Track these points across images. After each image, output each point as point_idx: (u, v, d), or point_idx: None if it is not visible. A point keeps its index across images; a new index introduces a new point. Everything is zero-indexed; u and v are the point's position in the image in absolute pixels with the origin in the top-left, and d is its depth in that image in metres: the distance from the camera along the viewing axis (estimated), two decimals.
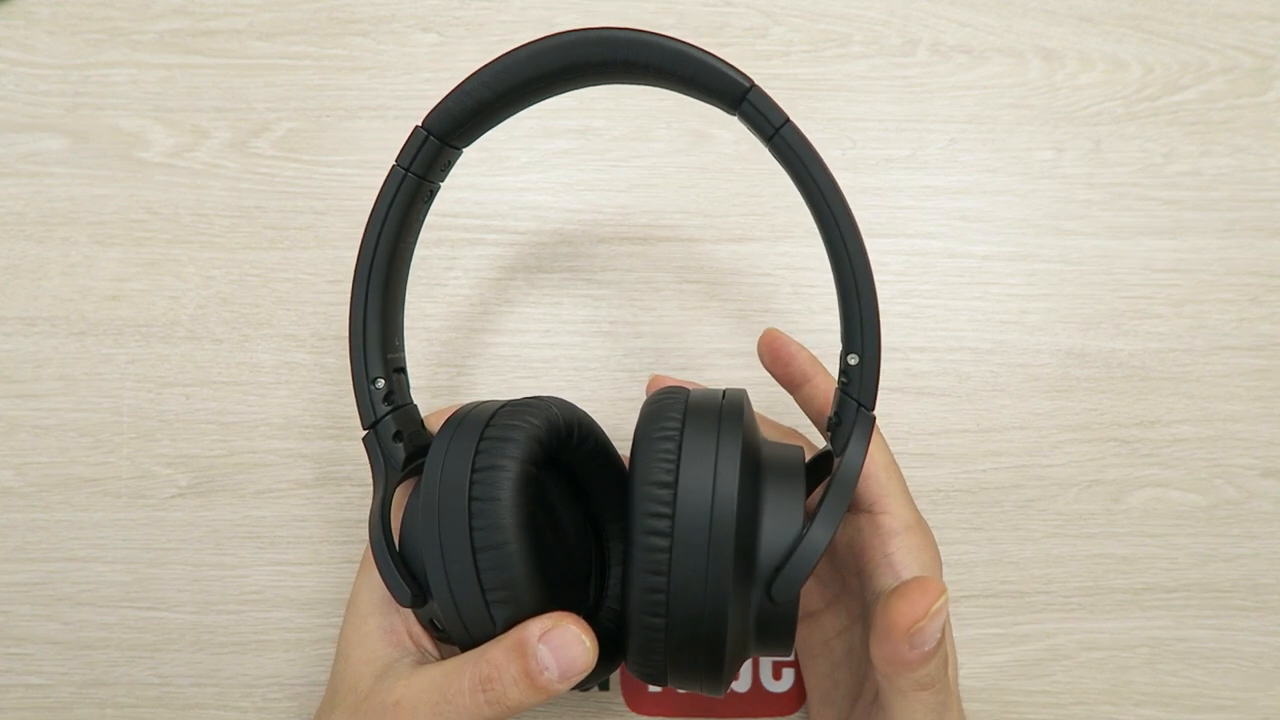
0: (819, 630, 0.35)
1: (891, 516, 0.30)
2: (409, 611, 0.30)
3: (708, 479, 0.26)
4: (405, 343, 0.32)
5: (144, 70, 0.43)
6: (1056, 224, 0.44)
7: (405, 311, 0.32)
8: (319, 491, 0.41)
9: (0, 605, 0.40)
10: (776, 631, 0.28)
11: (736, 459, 0.26)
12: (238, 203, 0.43)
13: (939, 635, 0.26)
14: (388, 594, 0.29)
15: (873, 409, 0.28)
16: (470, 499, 0.26)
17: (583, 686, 0.40)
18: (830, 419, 0.30)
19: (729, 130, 0.44)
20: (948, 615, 0.26)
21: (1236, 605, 0.42)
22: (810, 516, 0.27)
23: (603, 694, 0.40)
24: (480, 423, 0.28)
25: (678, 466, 0.26)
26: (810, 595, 0.35)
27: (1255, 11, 0.45)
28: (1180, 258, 0.44)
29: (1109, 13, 0.45)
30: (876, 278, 0.43)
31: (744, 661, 0.29)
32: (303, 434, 0.41)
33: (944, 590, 0.26)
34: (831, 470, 0.28)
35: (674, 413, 0.28)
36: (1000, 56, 0.45)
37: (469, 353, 0.42)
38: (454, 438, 0.28)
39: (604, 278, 0.43)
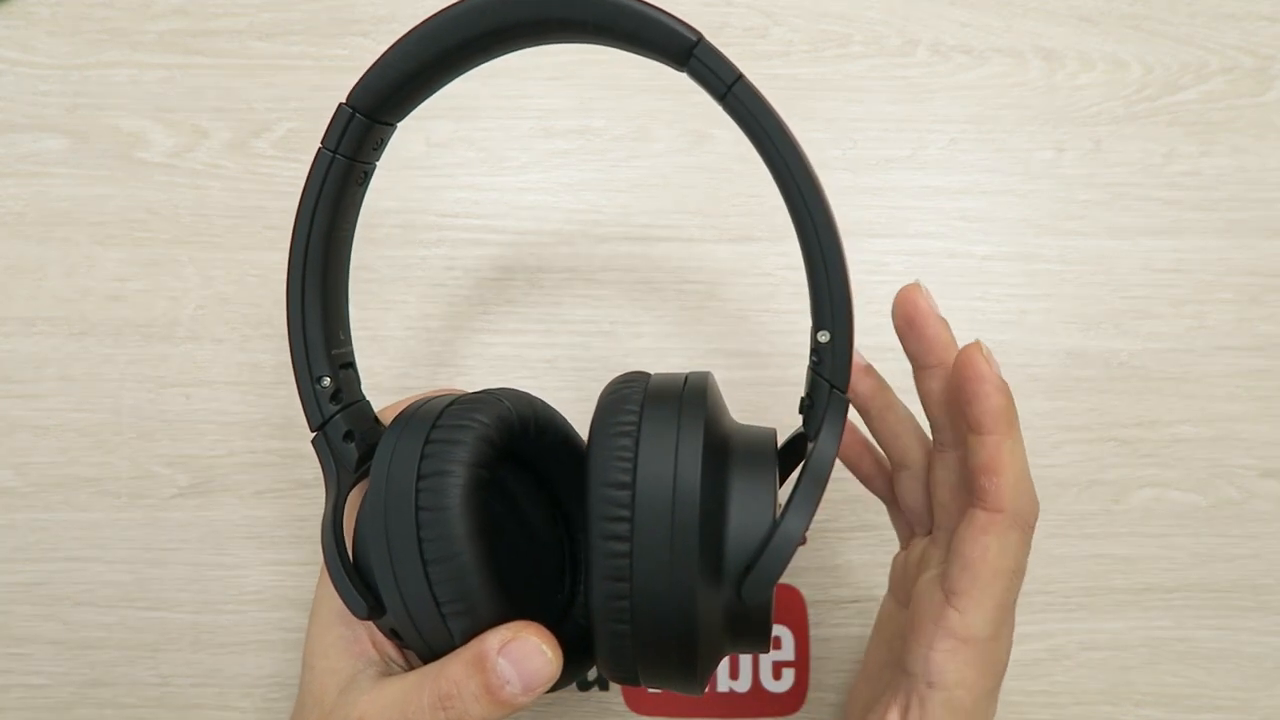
0: (894, 620, 0.33)
1: (960, 617, 0.27)
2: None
3: (668, 477, 0.25)
4: (361, 330, 0.30)
5: (144, 70, 0.43)
6: (1056, 224, 0.44)
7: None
8: (319, 491, 0.41)
9: (0, 605, 0.40)
10: (751, 629, 0.26)
11: (698, 453, 0.25)
12: (238, 203, 0.43)
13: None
14: None
15: (846, 390, 0.26)
16: (417, 509, 0.25)
17: (582, 685, 0.40)
18: (802, 400, 0.28)
19: (729, 130, 0.44)
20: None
21: (1237, 605, 0.42)
22: (783, 508, 0.25)
23: (602, 694, 0.40)
24: (426, 423, 0.26)
25: (635, 465, 0.25)
26: (908, 580, 0.32)
27: (1255, 11, 0.45)
28: (1180, 258, 0.44)
29: (1109, 13, 0.45)
30: (876, 278, 0.43)
31: (719, 660, 0.28)
32: (303, 434, 0.41)
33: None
34: (805, 455, 0.27)
35: (631, 405, 0.26)
36: (1000, 56, 0.45)
37: (469, 353, 0.42)
38: (399, 440, 0.26)
39: (604, 278, 0.43)
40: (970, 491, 0.28)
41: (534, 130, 0.44)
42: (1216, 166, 0.44)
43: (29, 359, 0.42)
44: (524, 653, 0.25)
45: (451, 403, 0.28)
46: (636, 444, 0.25)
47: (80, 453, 0.41)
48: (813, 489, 0.25)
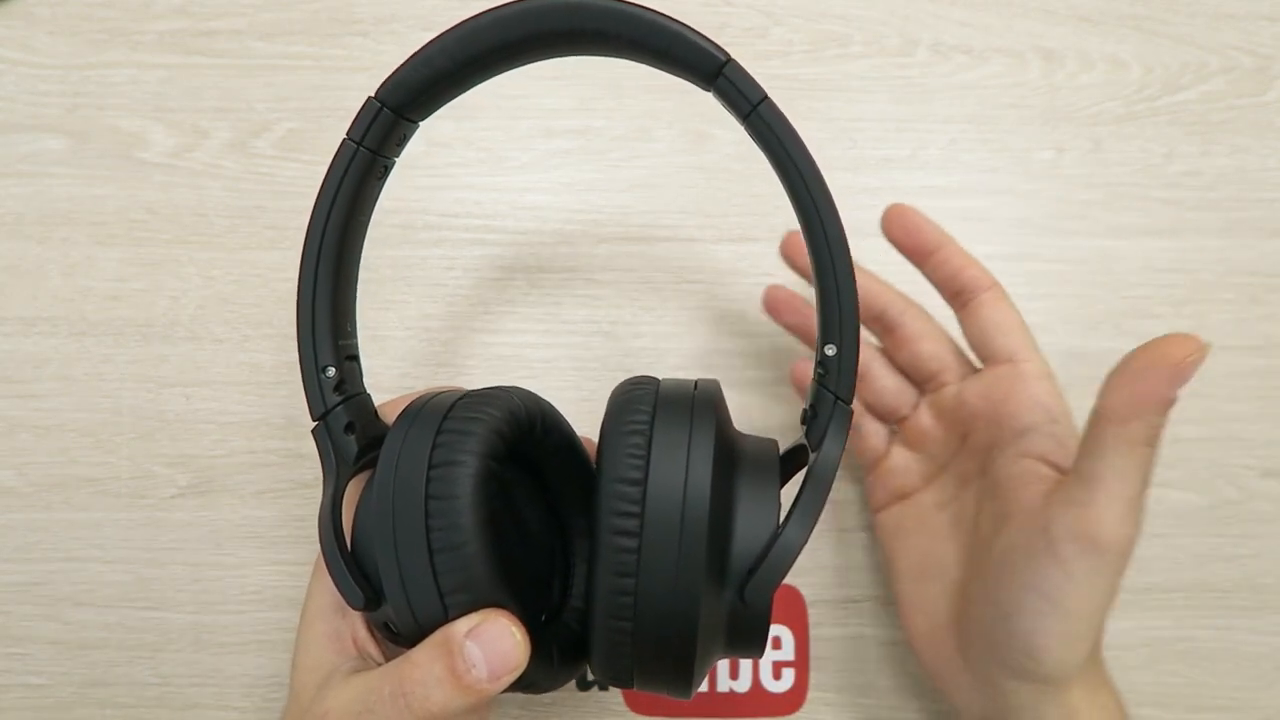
0: (915, 508, 0.36)
1: (1034, 365, 0.33)
2: (358, 616, 0.29)
3: (679, 476, 0.25)
4: (361, 330, 0.30)
5: (144, 70, 0.43)
6: (1056, 224, 0.44)
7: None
8: (319, 491, 0.41)
9: (0, 605, 0.40)
10: (748, 634, 0.27)
11: (709, 455, 0.25)
12: (238, 203, 0.43)
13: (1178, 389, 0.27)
14: (337, 598, 0.27)
15: (850, 402, 0.27)
16: (427, 497, 0.25)
17: (582, 685, 0.40)
18: (805, 412, 0.28)
19: (729, 130, 0.44)
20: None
21: (1236, 605, 0.42)
22: (786, 515, 0.26)
23: (602, 694, 0.40)
24: (438, 415, 0.26)
25: (647, 463, 0.25)
26: (908, 474, 0.36)
27: (1255, 11, 0.45)
28: (1180, 258, 0.44)
29: (1109, 13, 0.45)
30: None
31: (713, 664, 0.28)
32: (303, 434, 0.41)
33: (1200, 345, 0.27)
34: (807, 465, 0.27)
35: (643, 405, 0.26)
36: (1000, 56, 0.45)
37: (469, 353, 0.42)
38: (410, 430, 0.26)
39: (604, 278, 0.43)
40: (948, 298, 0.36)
41: (534, 130, 0.44)
42: (1216, 166, 0.44)
43: (29, 359, 0.42)
44: (492, 635, 0.25)
45: (462, 396, 0.28)
46: (649, 443, 0.25)
47: (80, 453, 0.41)
48: (816, 497, 0.26)
